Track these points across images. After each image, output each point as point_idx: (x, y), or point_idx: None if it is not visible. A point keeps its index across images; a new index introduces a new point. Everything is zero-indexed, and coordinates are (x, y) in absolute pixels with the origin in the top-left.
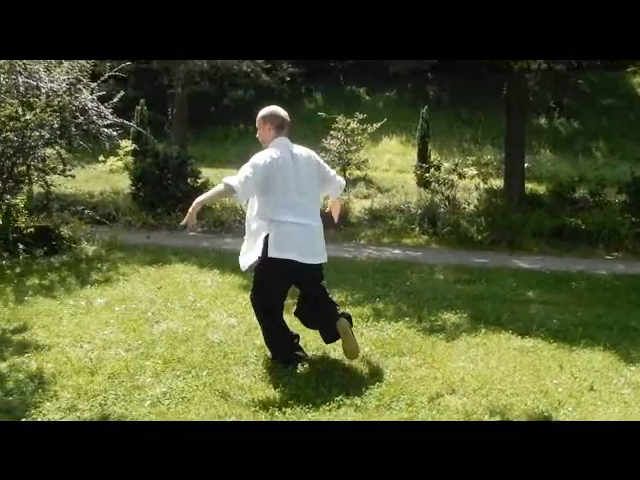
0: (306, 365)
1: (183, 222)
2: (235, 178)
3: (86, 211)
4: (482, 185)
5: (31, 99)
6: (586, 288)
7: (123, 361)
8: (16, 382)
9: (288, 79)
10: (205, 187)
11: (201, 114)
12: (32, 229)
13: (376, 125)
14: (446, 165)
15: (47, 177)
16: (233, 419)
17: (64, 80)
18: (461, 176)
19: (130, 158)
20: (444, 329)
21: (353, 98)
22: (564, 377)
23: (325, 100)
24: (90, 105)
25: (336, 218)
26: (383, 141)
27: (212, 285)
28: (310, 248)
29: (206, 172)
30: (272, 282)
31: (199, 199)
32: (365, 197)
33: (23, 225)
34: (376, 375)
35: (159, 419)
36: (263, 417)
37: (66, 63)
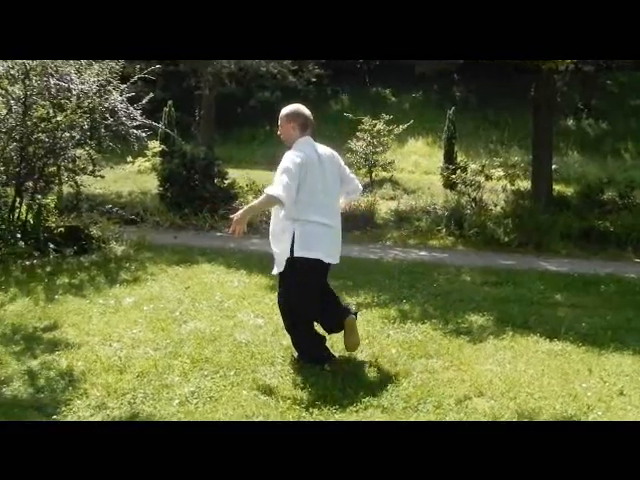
0: (333, 366)
1: (230, 230)
2: (277, 187)
3: (116, 209)
4: (509, 187)
5: (62, 101)
6: (615, 291)
7: (152, 360)
8: (47, 380)
9: (314, 80)
10: (232, 188)
11: (228, 115)
12: (62, 229)
13: (402, 126)
14: (473, 166)
15: (77, 177)
16: (261, 419)
17: (94, 82)
18: (488, 177)
19: (158, 159)
20: (471, 331)
21: (379, 99)
22: (593, 381)
23: (351, 101)
24: (119, 106)
25: None
26: (409, 142)
27: (239, 285)
28: (334, 249)
29: (233, 173)
30: (300, 282)
31: (247, 208)
32: (391, 198)
33: (53, 225)
34: (403, 377)
35: (187, 418)
36: (290, 417)
37: (96, 65)
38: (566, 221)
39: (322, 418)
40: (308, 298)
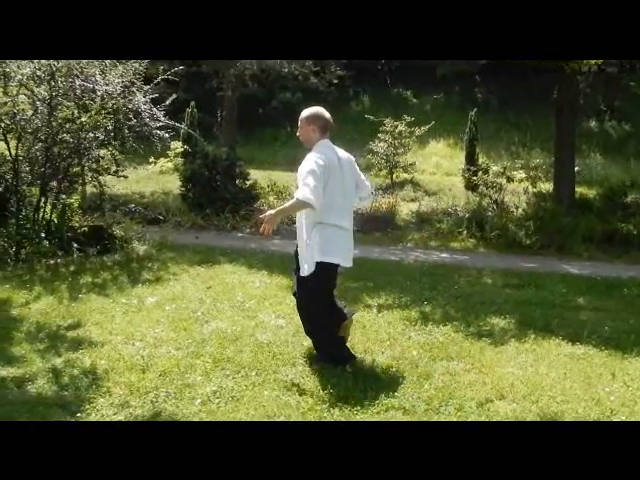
0: (354, 367)
1: (260, 229)
2: (305, 191)
3: (138, 209)
4: (531, 189)
5: (87, 102)
6: (638, 295)
7: (174, 359)
8: (71, 377)
9: (335, 82)
10: (253, 189)
11: (249, 116)
12: (86, 228)
13: (424, 128)
14: (494, 168)
15: (100, 178)
16: (282, 419)
17: (118, 83)
18: (509, 179)
19: (180, 159)
20: (492, 334)
21: (400, 101)
22: (616, 385)
23: (372, 103)
24: (143, 107)
25: None
26: (430, 144)
27: (260, 286)
28: (350, 252)
29: (254, 174)
30: (321, 286)
31: (279, 210)
32: (412, 200)
33: (77, 224)
34: (424, 379)
35: (209, 418)
36: (311, 418)
37: (120, 66)
38: (588, 224)
39: (343, 419)
40: (325, 300)
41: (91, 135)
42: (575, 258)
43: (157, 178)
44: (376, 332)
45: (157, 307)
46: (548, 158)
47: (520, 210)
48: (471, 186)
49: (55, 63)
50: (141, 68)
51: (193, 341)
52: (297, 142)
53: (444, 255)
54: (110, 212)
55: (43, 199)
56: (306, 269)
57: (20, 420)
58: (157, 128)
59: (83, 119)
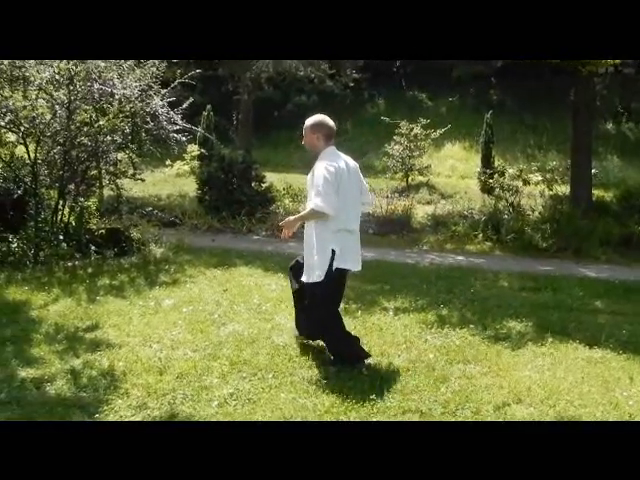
0: (370, 370)
1: (282, 235)
2: (320, 201)
3: (155, 212)
4: (547, 191)
5: (105, 105)
6: None
7: (191, 361)
8: (89, 379)
9: (351, 84)
10: (269, 191)
11: (265, 119)
12: (103, 231)
13: (440, 131)
14: (510, 171)
15: (118, 180)
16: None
17: (136, 87)
18: (526, 182)
19: (196, 162)
20: (509, 337)
21: (415, 103)
22: (634, 389)
23: (387, 105)
24: (160, 111)
25: None
26: (445, 147)
27: (276, 289)
28: (359, 256)
29: (270, 177)
30: (334, 291)
31: (298, 217)
32: (428, 203)
33: (95, 227)
34: (441, 382)
35: (226, 420)
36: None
37: (138, 70)
38: (605, 227)
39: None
40: (335, 303)
41: (109, 138)
42: (592, 261)
43: (174, 181)
44: (392, 335)
45: (174, 309)
46: (564, 160)
47: (536, 213)
48: (487, 189)
49: (74, 67)
50: (158, 72)
51: (210, 343)
52: None
53: (460, 258)
54: (127, 215)
55: (61, 202)
56: (317, 276)
57: (39, 420)
58: (174, 131)
59: (101, 122)
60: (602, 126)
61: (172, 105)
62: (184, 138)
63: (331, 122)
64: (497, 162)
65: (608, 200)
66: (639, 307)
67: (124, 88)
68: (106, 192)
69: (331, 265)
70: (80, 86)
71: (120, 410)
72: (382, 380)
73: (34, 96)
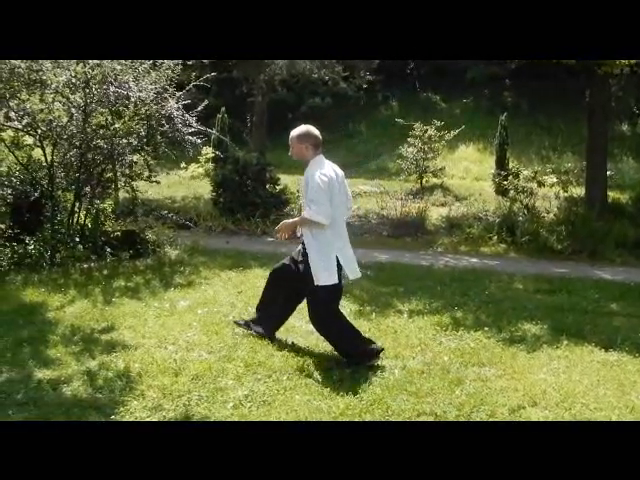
0: (385, 372)
1: (277, 237)
2: (315, 212)
3: (170, 214)
4: (562, 193)
5: (120, 108)
6: None
7: (206, 363)
8: (105, 380)
9: (365, 86)
10: (283, 193)
11: (279, 121)
12: (118, 233)
13: (454, 132)
14: (525, 173)
15: (133, 183)
16: None
17: (152, 89)
18: (540, 184)
19: (211, 165)
20: (524, 340)
21: (429, 105)
22: None
23: (401, 107)
24: (175, 113)
25: None
26: (460, 148)
27: None
28: (354, 263)
29: (284, 178)
30: (332, 298)
31: (291, 222)
32: (442, 205)
33: (110, 229)
34: (455, 385)
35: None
36: None
37: (153, 73)
38: (621, 229)
39: None
40: (336, 304)
41: (124, 141)
42: (608, 264)
43: (188, 183)
44: (407, 337)
45: (189, 311)
46: (579, 162)
47: (551, 215)
48: (501, 191)
49: (90, 70)
50: (173, 74)
51: (225, 345)
52: (327, 147)
53: (474, 260)
54: (142, 217)
55: (77, 204)
56: (321, 280)
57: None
58: (189, 134)
59: (117, 125)
60: (617, 127)
61: (187, 108)
62: (199, 140)
63: (317, 131)
64: (512, 164)
65: (623, 202)
66: None
67: (140, 91)
68: (121, 194)
69: (340, 268)
70: (96, 89)
71: (136, 411)
72: (397, 382)
73: (51, 99)
